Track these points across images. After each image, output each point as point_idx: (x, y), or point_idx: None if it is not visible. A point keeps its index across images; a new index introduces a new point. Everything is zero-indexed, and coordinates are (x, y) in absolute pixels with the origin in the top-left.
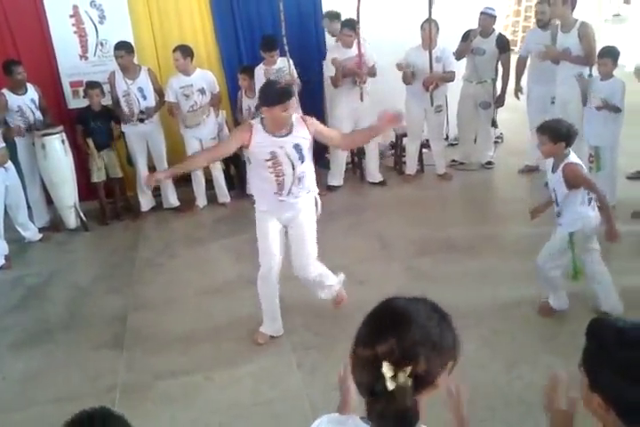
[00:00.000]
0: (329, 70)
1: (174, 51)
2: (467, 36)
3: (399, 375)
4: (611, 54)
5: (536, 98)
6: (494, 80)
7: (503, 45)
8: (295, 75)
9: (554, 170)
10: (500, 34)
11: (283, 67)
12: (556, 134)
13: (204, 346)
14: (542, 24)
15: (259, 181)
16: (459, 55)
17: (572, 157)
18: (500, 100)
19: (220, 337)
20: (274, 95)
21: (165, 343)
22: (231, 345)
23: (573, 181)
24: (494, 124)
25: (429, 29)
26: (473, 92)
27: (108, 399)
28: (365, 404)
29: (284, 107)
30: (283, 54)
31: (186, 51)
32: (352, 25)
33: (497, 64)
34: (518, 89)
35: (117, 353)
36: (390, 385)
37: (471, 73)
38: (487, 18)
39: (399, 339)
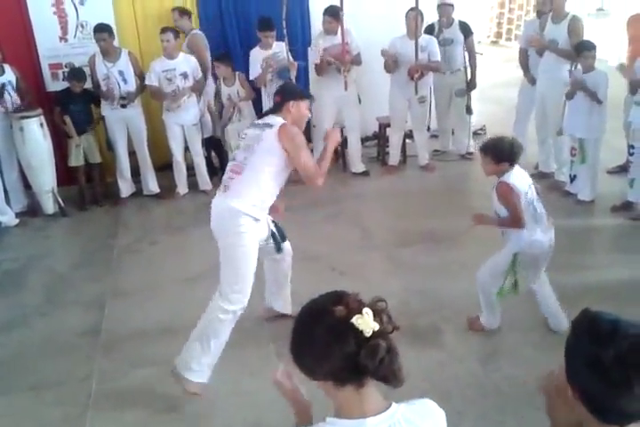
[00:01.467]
0: (314, 57)
1: (164, 32)
2: (429, 31)
3: (378, 313)
4: (592, 47)
5: (525, 88)
6: (465, 67)
7: (466, 31)
8: (292, 59)
9: (494, 188)
10: (460, 20)
11: (278, 51)
12: (499, 154)
13: (183, 335)
14: (541, 14)
15: (273, 188)
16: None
17: (508, 176)
18: (472, 84)
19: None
20: (300, 91)
21: (144, 332)
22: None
23: (501, 199)
24: (469, 110)
25: (415, 18)
26: (447, 83)
27: (85, 388)
28: (350, 370)
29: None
30: (280, 39)
31: (176, 32)
32: (333, 12)
33: (464, 51)
34: (530, 76)
35: (94, 341)
36: (375, 326)
37: (445, 64)
38: (447, 7)
39: (354, 294)
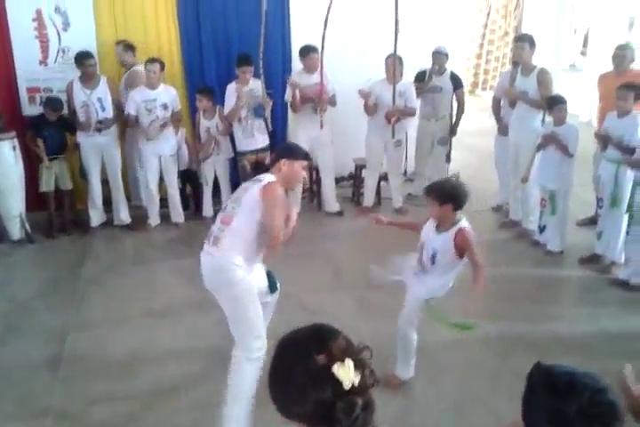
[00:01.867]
0: (288, 95)
1: (152, 62)
2: (421, 77)
3: (360, 365)
4: (564, 101)
5: (499, 138)
6: (451, 115)
7: (456, 82)
8: (267, 97)
9: (440, 230)
10: (452, 71)
11: (254, 88)
12: (441, 195)
13: (145, 371)
14: (517, 66)
15: (262, 240)
16: (417, 94)
17: (465, 222)
18: (453, 131)
19: (162, 363)
20: (297, 151)
21: (105, 367)
22: (173, 371)
23: (462, 246)
24: (448, 159)
25: (393, 64)
26: (431, 130)
27: (40, 424)
28: (323, 417)
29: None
30: (257, 76)
31: (163, 64)
32: (313, 49)
33: (452, 100)
34: (502, 127)
35: (53, 375)
36: (355, 379)
37: (429, 111)
38: (441, 56)
39: (340, 338)
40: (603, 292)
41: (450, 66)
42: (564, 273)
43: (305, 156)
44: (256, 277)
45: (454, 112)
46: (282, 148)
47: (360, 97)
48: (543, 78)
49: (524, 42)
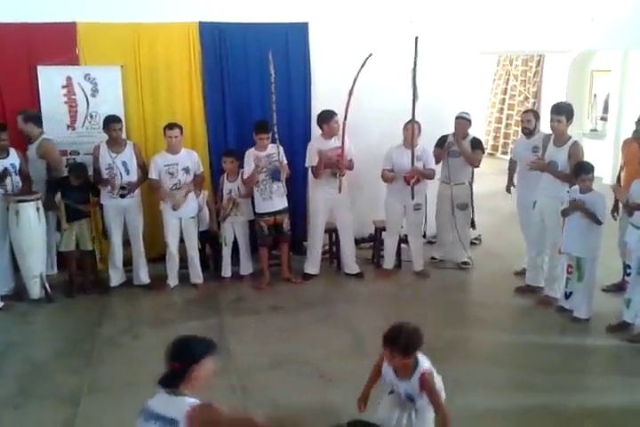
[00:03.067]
0: (310, 160)
1: (172, 128)
2: (442, 142)
3: None
4: (591, 169)
5: (522, 201)
6: (471, 182)
7: (476, 145)
8: (285, 161)
9: (403, 377)
10: (474, 137)
11: (273, 153)
12: (403, 350)
13: None
14: (527, 132)
15: None
16: (436, 159)
17: (425, 364)
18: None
19: None
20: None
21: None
22: None
23: (424, 388)
24: (473, 225)
25: (412, 129)
26: (450, 194)
27: None
28: None
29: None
30: (273, 141)
31: (181, 129)
32: (333, 114)
33: (472, 167)
34: (509, 186)
35: None
36: None
37: (448, 175)
38: (464, 122)
39: None
40: (633, 361)
41: (472, 131)
42: (591, 342)
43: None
44: None
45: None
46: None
47: (383, 175)
48: (575, 152)
49: (561, 115)
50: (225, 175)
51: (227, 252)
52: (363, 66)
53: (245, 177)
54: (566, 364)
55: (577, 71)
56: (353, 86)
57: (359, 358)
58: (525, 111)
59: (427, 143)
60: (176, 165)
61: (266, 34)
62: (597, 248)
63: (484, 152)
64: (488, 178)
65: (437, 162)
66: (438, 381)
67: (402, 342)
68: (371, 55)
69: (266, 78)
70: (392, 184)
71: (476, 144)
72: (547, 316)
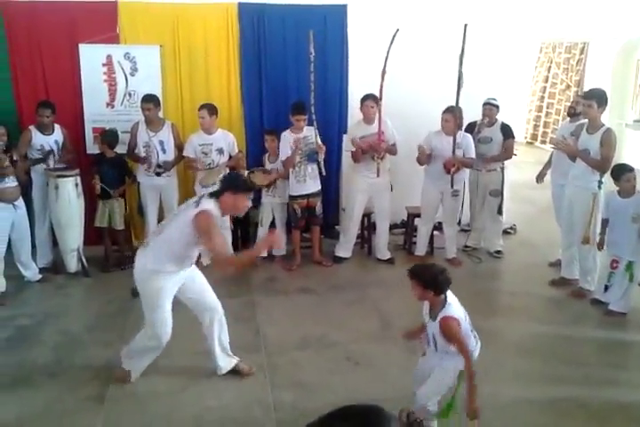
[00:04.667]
0: (348, 146)
1: (200, 108)
2: (471, 129)
3: None
4: (631, 169)
5: (556, 190)
6: (502, 168)
7: (507, 132)
8: (320, 142)
9: (432, 316)
10: (503, 122)
11: (309, 135)
12: (422, 280)
13: (187, 406)
14: (572, 112)
15: (186, 252)
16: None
17: (450, 310)
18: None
19: (203, 399)
20: (241, 183)
21: (147, 404)
22: (211, 418)
23: (446, 335)
24: (500, 211)
25: (454, 115)
26: (483, 181)
27: None
28: None
29: (249, 195)
30: (310, 124)
31: (212, 109)
32: (373, 97)
33: (502, 151)
34: (540, 175)
35: (98, 408)
36: None
37: (479, 161)
38: (492, 107)
39: None
40: None
41: (507, 117)
42: (626, 336)
43: (247, 189)
44: (178, 278)
45: (505, 164)
46: (227, 179)
47: (418, 151)
48: (607, 139)
49: (591, 100)
50: (266, 156)
51: (262, 232)
52: (392, 42)
53: (283, 159)
54: (598, 357)
55: (622, 60)
56: (385, 66)
57: (386, 342)
58: (580, 95)
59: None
60: (210, 146)
61: (304, 15)
62: None
63: (514, 138)
64: (526, 167)
65: None
66: (469, 338)
67: (428, 275)
68: (398, 31)
69: (302, 60)
70: (430, 170)
71: (507, 131)
72: (580, 308)
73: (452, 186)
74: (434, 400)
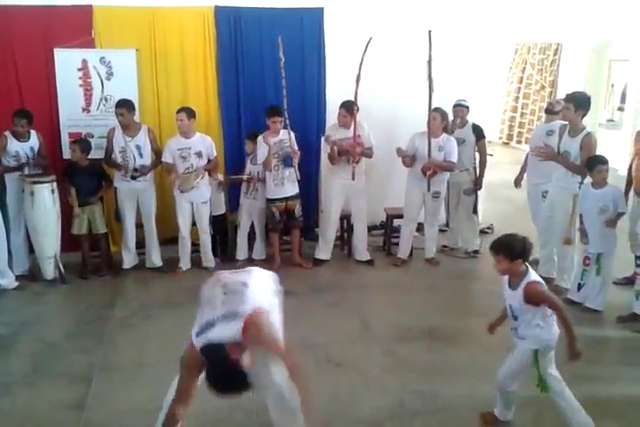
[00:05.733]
0: (326, 147)
1: (179, 111)
2: (444, 129)
3: None
4: (606, 161)
5: (532, 191)
6: (475, 168)
7: (478, 133)
8: (296, 146)
9: (512, 287)
10: (474, 123)
11: (284, 138)
12: (512, 252)
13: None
14: (550, 107)
15: None
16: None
17: (533, 275)
18: (478, 184)
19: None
20: None
21: (128, 412)
22: (192, 418)
23: (535, 299)
24: (475, 210)
25: (435, 118)
26: (457, 180)
27: None
28: None
29: None
30: (284, 127)
31: (190, 113)
32: (348, 106)
33: (474, 152)
34: (518, 179)
35: (77, 416)
36: None
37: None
38: (463, 109)
39: None
40: None
41: (481, 118)
42: (602, 332)
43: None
44: None
45: (477, 164)
46: None
47: (398, 155)
48: (587, 142)
49: (569, 102)
50: (249, 158)
51: (242, 235)
52: (365, 50)
53: (259, 161)
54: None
55: (595, 60)
56: (360, 72)
57: (367, 343)
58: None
59: None
60: (188, 149)
61: (281, 18)
62: (615, 242)
63: (485, 138)
64: (502, 167)
65: None
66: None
67: (518, 246)
68: (371, 39)
69: (279, 62)
70: (413, 171)
71: (479, 132)
72: None
73: (428, 189)
74: (509, 382)
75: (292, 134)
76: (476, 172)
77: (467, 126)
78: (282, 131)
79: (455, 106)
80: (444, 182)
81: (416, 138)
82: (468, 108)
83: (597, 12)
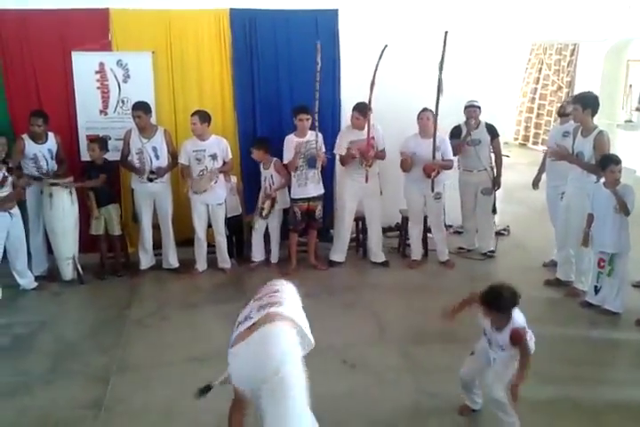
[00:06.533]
0: (339, 149)
1: (193, 115)
2: (456, 133)
3: None
4: (620, 161)
5: (550, 192)
6: (492, 167)
7: (492, 132)
8: (323, 148)
9: (497, 329)
10: (487, 123)
11: (312, 140)
12: (505, 308)
13: (182, 418)
14: (562, 111)
15: None
16: (457, 151)
17: (517, 320)
18: (496, 183)
19: (200, 410)
20: None
21: (145, 411)
22: (209, 419)
23: (517, 343)
24: (494, 210)
25: (431, 118)
26: (474, 181)
27: None
28: None
29: None
30: (312, 128)
31: (203, 116)
32: (360, 108)
33: (490, 152)
34: (537, 180)
35: (94, 416)
36: None
37: (471, 162)
38: (475, 109)
39: None
40: None
41: (498, 119)
42: (620, 335)
43: None
44: None
45: (494, 163)
46: None
47: (402, 157)
48: (600, 141)
49: (576, 103)
50: (261, 164)
51: (258, 236)
52: (380, 57)
53: (285, 162)
54: (593, 357)
55: (612, 61)
56: (374, 78)
57: (382, 345)
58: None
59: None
60: (203, 152)
61: (296, 20)
62: (628, 242)
63: (499, 136)
64: (519, 168)
65: (457, 154)
66: (529, 337)
67: (498, 303)
68: (386, 46)
69: (295, 66)
70: (410, 174)
71: (493, 131)
72: (575, 308)
73: (432, 189)
74: (502, 392)
75: (320, 136)
76: (493, 171)
77: (480, 127)
78: (310, 132)
79: (467, 107)
80: (442, 183)
81: (409, 141)
82: (480, 108)
83: (614, 12)
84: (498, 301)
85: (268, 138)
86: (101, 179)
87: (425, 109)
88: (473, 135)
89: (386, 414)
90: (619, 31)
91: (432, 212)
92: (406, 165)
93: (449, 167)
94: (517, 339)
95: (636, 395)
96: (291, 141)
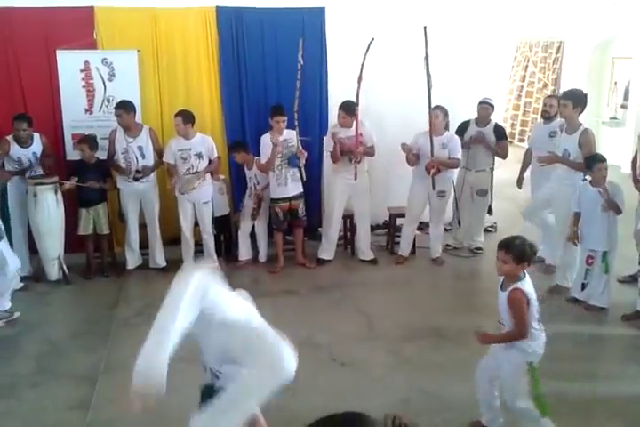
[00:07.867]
0: (328, 145)
1: (176, 116)
2: (462, 128)
3: None
4: (605, 159)
5: (536, 190)
6: (492, 169)
7: (500, 134)
8: (300, 147)
9: (503, 288)
10: (497, 123)
11: (289, 138)
12: (522, 256)
13: (170, 418)
14: (547, 116)
15: None
16: (466, 146)
17: (527, 284)
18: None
19: (188, 409)
20: None
21: (131, 413)
22: None
23: (512, 305)
24: (490, 211)
25: (436, 116)
26: (471, 180)
27: None
28: None
29: None
30: (292, 128)
31: (187, 117)
32: (346, 108)
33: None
34: (520, 179)
35: (82, 416)
36: None
37: (470, 161)
38: (488, 107)
39: None
40: None
41: (493, 117)
42: (605, 330)
43: None
44: None
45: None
46: None
47: (403, 151)
48: (586, 139)
49: (567, 100)
50: (246, 165)
51: (244, 235)
52: (367, 51)
53: (262, 161)
54: (579, 352)
55: (597, 58)
56: (361, 73)
57: (371, 342)
58: (549, 96)
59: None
60: (189, 150)
61: (282, 18)
62: (617, 239)
63: (507, 139)
64: (506, 165)
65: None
66: (533, 306)
67: (528, 250)
68: (373, 40)
69: (282, 63)
70: (417, 169)
71: (501, 133)
72: (560, 304)
73: (433, 187)
74: (527, 401)
75: (295, 134)
76: (492, 173)
77: (489, 126)
78: (286, 130)
79: (482, 103)
80: (449, 181)
81: (419, 137)
82: (493, 106)
83: (600, 10)
84: (511, 239)
85: (247, 142)
86: (110, 183)
87: (437, 107)
88: (479, 133)
89: (375, 412)
90: (604, 29)
91: (434, 209)
92: (410, 159)
93: (454, 165)
94: (513, 297)
95: (623, 389)
96: (267, 141)
